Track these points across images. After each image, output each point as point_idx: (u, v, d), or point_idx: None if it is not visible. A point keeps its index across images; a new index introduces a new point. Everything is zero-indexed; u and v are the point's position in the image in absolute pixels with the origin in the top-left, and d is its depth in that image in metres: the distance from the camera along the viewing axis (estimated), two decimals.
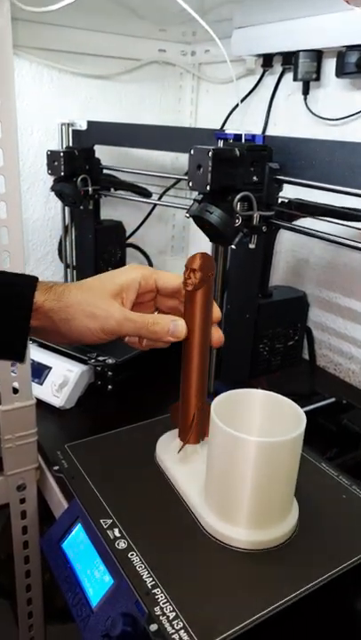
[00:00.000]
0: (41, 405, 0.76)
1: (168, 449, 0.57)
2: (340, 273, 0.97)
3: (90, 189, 1.01)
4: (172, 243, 1.40)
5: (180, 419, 0.57)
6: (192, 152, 0.59)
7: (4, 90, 0.56)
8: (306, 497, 0.52)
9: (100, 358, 0.85)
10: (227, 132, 0.64)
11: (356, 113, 0.86)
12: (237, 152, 0.58)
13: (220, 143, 0.63)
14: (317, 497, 0.54)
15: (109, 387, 0.86)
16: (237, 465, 0.45)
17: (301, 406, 0.48)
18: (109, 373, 0.85)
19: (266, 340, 0.74)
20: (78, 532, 0.53)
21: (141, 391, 0.88)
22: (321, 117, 0.92)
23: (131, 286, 0.50)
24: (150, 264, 1.32)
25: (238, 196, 0.58)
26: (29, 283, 0.46)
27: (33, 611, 0.84)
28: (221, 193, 0.59)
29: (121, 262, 1.19)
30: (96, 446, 0.61)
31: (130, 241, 1.26)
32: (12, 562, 0.78)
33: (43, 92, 1.11)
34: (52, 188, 1.00)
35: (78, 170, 1.00)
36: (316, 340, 0.99)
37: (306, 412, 0.47)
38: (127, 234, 1.20)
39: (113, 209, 1.22)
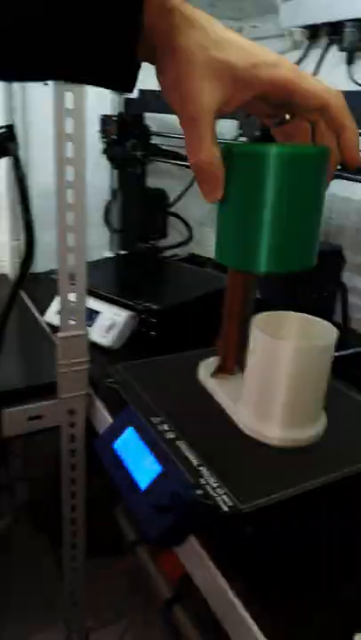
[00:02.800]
0: (91, 347, 0.83)
1: (209, 369, 0.64)
2: None
3: (139, 154, 1.08)
4: (212, 215, 1.45)
5: (220, 348, 0.63)
6: None
7: None
8: (334, 413, 0.57)
9: (146, 304, 0.91)
10: None
11: None
12: None
13: None
14: (345, 412, 0.59)
15: (153, 333, 0.93)
16: (275, 368, 0.51)
17: None
18: (153, 320, 0.92)
19: (302, 285, 0.79)
20: (129, 434, 0.60)
21: (186, 339, 0.94)
22: None
23: (249, 89, 0.40)
24: (191, 235, 1.38)
25: None
26: None
27: (77, 542, 0.91)
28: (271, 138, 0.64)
29: (163, 230, 1.25)
30: (146, 367, 0.67)
31: (171, 210, 1.32)
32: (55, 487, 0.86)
33: None
34: (105, 151, 1.07)
35: (129, 135, 1.07)
36: (350, 304, 1.03)
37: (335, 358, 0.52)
38: None
39: (157, 179, 1.28)
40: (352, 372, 0.81)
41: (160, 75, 0.39)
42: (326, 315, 0.85)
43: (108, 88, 0.37)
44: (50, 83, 0.55)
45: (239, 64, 0.38)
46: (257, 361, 0.53)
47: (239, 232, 0.45)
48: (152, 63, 0.39)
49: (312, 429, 0.53)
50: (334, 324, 0.85)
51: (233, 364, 0.62)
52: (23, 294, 1.22)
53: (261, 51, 0.39)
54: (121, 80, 0.36)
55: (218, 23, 0.39)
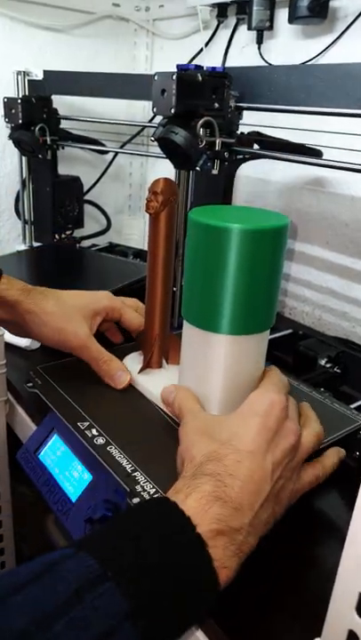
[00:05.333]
0: (7, 348, 0.76)
1: (134, 364, 0.60)
2: (294, 219, 1.02)
3: (48, 139, 1.01)
4: (130, 202, 1.41)
5: (143, 342, 0.59)
6: (156, 78, 0.60)
7: None
8: None
9: None
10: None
11: (308, 61, 0.89)
12: (200, 77, 0.60)
13: None
14: None
15: None
16: (210, 359, 0.48)
17: None
18: None
19: None
20: (54, 442, 0.55)
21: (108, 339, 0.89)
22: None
23: (100, 315, 0.61)
24: (109, 223, 1.32)
25: (201, 121, 0.60)
26: None
27: (5, 560, 0.84)
28: (185, 118, 0.61)
29: (79, 218, 1.19)
30: (68, 367, 0.62)
31: (87, 198, 1.26)
32: None
33: None
34: (11, 136, 0.99)
35: (36, 119, 0.99)
36: None
37: None
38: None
39: (69, 166, 1.22)
40: (280, 354, 0.81)
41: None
42: None
43: None
44: None
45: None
46: (192, 353, 0.50)
47: (204, 297, 0.46)
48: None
49: None
50: None
51: (159, 357, 0.59)
52: None
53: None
54: None
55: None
